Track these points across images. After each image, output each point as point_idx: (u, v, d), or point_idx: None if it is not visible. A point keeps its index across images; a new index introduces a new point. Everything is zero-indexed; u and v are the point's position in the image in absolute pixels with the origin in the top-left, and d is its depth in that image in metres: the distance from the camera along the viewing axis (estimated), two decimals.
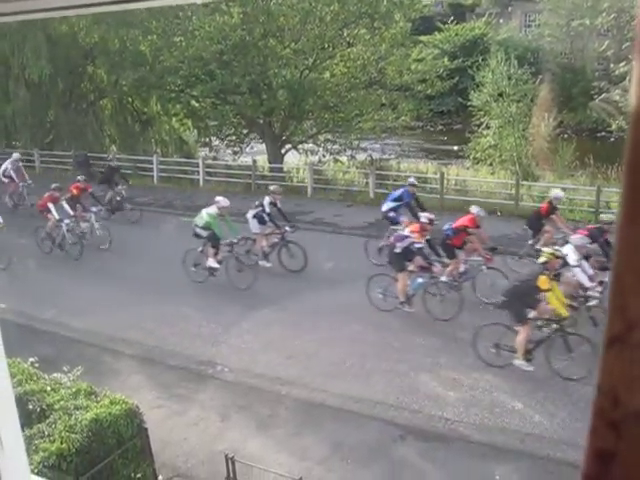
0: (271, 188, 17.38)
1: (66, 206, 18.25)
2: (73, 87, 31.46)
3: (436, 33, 42.57)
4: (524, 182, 22.45)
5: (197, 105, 29.96)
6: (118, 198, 21.25)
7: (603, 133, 32.90)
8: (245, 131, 30.04)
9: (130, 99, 32.07)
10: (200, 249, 15.87)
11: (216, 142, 31.44)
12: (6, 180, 22.65)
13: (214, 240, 15.65)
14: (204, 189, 25.25)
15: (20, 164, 23.36)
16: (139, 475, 8.75)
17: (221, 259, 15.79)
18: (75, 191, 18.88)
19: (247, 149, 30.75)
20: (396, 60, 26.92)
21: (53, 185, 18.56)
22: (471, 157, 27.72)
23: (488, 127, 26.65)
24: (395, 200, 16.72)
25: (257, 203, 16.67)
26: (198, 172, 26.76)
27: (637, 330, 0.50)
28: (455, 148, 33.41)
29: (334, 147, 28.90)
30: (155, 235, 19.75)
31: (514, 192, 21.36)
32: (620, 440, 0.53)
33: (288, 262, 16.34)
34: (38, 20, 26.01)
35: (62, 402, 8.68)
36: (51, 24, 27.49)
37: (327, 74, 27.65)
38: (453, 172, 26.73)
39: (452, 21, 43.76)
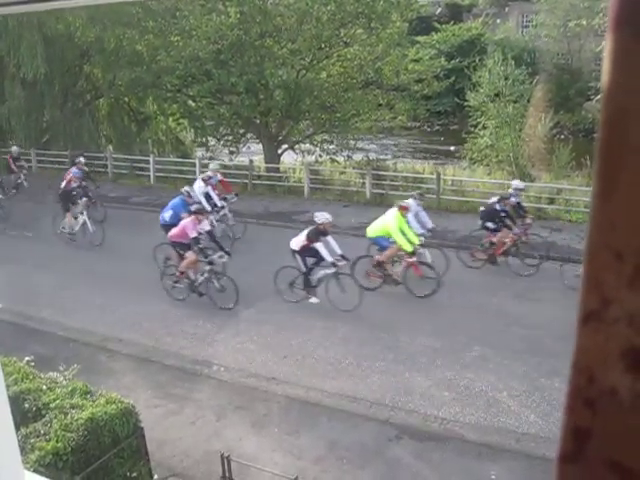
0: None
1: None
2: (69, 86, 31.38)
3: (433, 33, 42.61)
4: None
5: (194, 105, 29.89)
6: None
7: None
8: (242, 131, 29.97)
9: (126, 99, 32.01)
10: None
11: (213, 142, 31.37)
12: None
13: None
14: None
15: None
16: (134, 474, 8.75)
17: None
18: None
19: (244, 149, 30.71)
20: (393, 60, 26.90)
21: None
22: (468, 157, 27.67)
23: (485, 127, 26.59)
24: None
25: None
26: (195, 172, 26.71)
27: (613, 306, 0.50)
28: (452, 148, 33.39)
29: (331, 147, 28.84)
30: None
31: None
32: (595, 418, 0.53)
33: None
34: (34, 19, 26.01)
35: (58, 401, 8.68)
36: (47, 23, 27.44)
37: (324, 74, 27.59)
38: (450, 172, 26.68)
39: (449, 21, 43.82)
